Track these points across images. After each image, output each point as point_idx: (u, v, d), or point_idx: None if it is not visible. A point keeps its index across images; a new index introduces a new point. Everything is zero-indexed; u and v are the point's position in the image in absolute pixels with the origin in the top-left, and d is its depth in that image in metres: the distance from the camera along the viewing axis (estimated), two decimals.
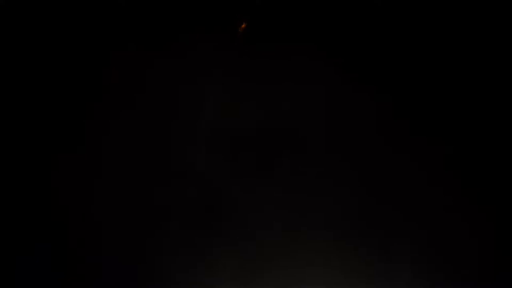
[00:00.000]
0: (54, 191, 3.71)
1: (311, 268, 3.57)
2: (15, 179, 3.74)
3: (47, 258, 3.62)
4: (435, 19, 3.90)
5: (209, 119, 3.83)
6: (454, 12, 3.90)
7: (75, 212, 3.68)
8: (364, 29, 3.92)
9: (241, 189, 3.71)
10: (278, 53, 3.89)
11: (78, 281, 3.60)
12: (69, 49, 3.93)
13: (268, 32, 3.94)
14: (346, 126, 3.81)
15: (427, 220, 3.64)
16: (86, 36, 3.94)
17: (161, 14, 3.97)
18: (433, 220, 3.64)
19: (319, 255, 3.59)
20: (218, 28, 3.94)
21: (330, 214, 3.67)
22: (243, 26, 3.87)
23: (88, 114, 3.83)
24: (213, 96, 3.87)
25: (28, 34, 3.93)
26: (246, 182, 3.72)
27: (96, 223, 3.66)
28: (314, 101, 3.85)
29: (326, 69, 3.87)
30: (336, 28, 3.93)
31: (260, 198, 3.70)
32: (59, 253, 3.62)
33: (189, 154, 3.78)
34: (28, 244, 3.64)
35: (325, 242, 3.61)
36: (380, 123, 3.80)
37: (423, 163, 3.73)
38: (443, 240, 3.61)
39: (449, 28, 3.90)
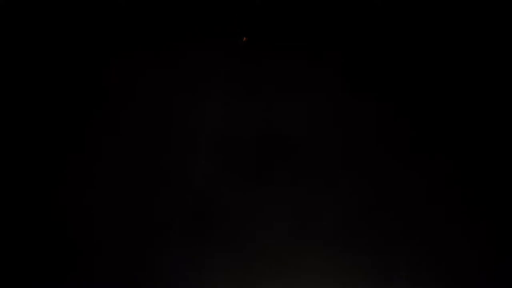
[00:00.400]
0: (53, 197, 3.70)
1: (310, 273, 3.57)
2: (15, 186, 3.73)
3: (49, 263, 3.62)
4: (436, 20, 3.90)
5: (209, 125, 3.82)
6: (454, 12, 3.89)
7: (75, 215, 3.68)
8: (364, 29, 3.92)
9: (241, 195, 3.71)
10: (277, 57, 3.89)
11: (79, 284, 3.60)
12: (69, 51, 3.93)
13: (268, 33, 3.94)
14: (346, 132, 3.80)
15: (427, 229, 3.64)
16: (87, 38, 3.93)
17: (161, 17, 3.96)
18: (432, 228, 3.64)
19: (317, 263, 3.59)
20: (219, 29, 3.94)
21: (328, 220, 3.67)
22: (244, 39, 3.87)
23: (86, 120, 3.82)
24: (213, 101, 3.86)
25: (28, 34, 3.92)
26: (246, 189, 3.71)
27: (96, 227, 3.65)
28: (314, 107, 3.85)
29: (326, 73, 3.87)
30: (336, 28, 3.93)
31: (260, 204, 3.69)
32: (60, 257, 3.62)
33: (188, 161, 3.78)
34: (30, 253, 3.64)
35: (324, 249, 3.62)
36: (380, 130, 3.79)
37: (423, 170, 3.72)
38: (442, 249, 3.61)
39: (450, 29, 3.89)
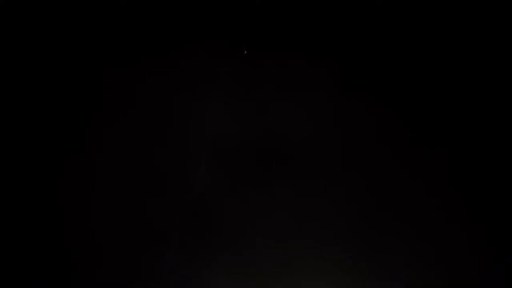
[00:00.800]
0: (52, 200, 3.69)
1: (311, 276, 3.57)
2: (14, 188, 3.73)
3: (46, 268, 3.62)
4: (436, 20, 3.90)
5: (209, 125, 3.82)
6: (454, 12, 3.89)
7: (73, 218, 3.67)
8: (364, 29, 3.92)
9: (241, 196, 3.70)
10: (277, 57, 3.89)
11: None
12: (69, 51, 3.93)
13: (268, 33, 3.94)
14: (346, 133, 3.80)
15: (427, 229, 3.63)
16: (86, 37, 3.93)
17: (160, 17, 3.96)
18: (432, 229, 3.64)
19: (318, 264, 3.58)
20: (219, 29, 3.94)
21: (329, 222, 3.67)
22: (245, 52, 3.88)
23: (85, 122, 3.81)
24: (212, 101, 3.86)
25: (28, 34, 3.92)
26: (245, 195, 3.71)
27: (94, 231, 3.65)
28: (314, 108, 3.85)
29: (327, 73, 3.87)
30: (337, 28, 3.93)
31: (260, 206, 3.69)
32: (58, 259, 3.62)
33: (188, 162, 3.77)
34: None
35: (324, 250, 3.61)
36: (381, 130, 3.79)
37: (423, 170, 3.72)
38: (442, 249, 3.60)
39: (450, 29, 3.89)
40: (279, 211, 3.67)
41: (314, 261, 3.58)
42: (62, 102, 3.84)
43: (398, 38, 3.90)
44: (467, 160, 3.73)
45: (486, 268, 3.55)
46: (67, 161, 3.74)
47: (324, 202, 3.68)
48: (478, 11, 3.87)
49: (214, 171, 3.74)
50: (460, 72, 3.85)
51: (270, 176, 3.73)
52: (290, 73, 3.88)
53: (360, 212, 3.66)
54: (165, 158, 3.76)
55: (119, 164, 3.73)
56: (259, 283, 3.55)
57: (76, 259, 3.59)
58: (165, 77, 3.87)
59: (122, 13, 3.93)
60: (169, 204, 3.68)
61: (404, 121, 3.80)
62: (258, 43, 3.92)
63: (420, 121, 3.79)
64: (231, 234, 3.63)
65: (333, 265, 3.57)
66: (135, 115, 3.81)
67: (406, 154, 3.75)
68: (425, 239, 3.61)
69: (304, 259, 3.58)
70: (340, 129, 3.80)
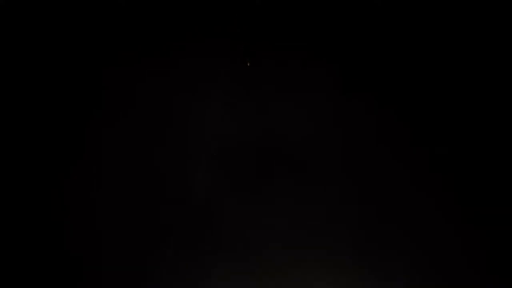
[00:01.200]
0: (50, 203, 3.69)
1: (309, 279, 3.57)
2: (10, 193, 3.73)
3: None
4: (436, 20, 3.90)
5: (208, 126, 3.82)
6: (455, 12, 3.89)
7: (71, 222, 3.67)
8: (364, 30, 3.92)
9: (240, 201, 3.70)
10: (277, 57, 3.89)
11: None
12: (69, 51, 3.92)
13: (268, 33, 3.94)
14: (347, 134, 3.80)
15: (428, 235, 3.63)
16: (86, 37, 3.93)
17: (160, 17, 3.96)
18: (434, 229, 3.63)
19: (317, 267, 3.58)
20: (219, 29, 3.94)
21: (327, 224, 3.67)
22: (248, 64, 3.88)
23: (84, 124, 3.81)
24: (212, 101, 3.86)
25: (28, 34, 3.92)
26: (245, 195, 3.70)
27: (92, 235, 3.64)
28: (315, 108, 3.85)
29: (327, 73, 3.87)
30: (337, 28, 3.93)
31: (260, 209, 3.69)
32: (55, 263, 3.61)
33: (188, 163, 3.77)
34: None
35: (323, 253, 3.62)
36: (380, 131, 3.79)
37: (424, 172, 3.72)
38: (443, 254, 3.60)
39: (451, 30, 3.89)
40: (279, 211, 3.67)
41: (314, 261, 3.58)
42: (62, 102, 3.84)
43: (398, 38, 3.90)
44: (467, 160, 3.73)
45: (488, 273, 3.55)
46: (67, 161, 3.74)
47: (324, 202, 3.68)
48: (478, 11, 3.87)
49: (214, 171, 3.75)
50: (460, 72, 3.85)
51: (270, 176, 3.73)
52: (290, 73, 3.88)
53: (360, 211, 3.66)
54: (165, 158, 3.76)
55: (119, 164, 3.73)
56: (259, 283, 3.55)
57: (75, 260, 3.59)
58: (165, 77, 3.87)
59: (122, 13, 3.93)
60: (169, 204, 3.68)
61: (404, 121, 3.80)
62: (258, 43, 3.92)
63: (420, 121, 3.79)
64: (231, 234, 3.63)
65: (334, 265, 3.57)
66: (135, 115, 3.82)
67: (406, 154, 3.75)
68: (425, 238, 3.61)
69: (304, 259, 3.58)
70: (340, 129, 3.80)
